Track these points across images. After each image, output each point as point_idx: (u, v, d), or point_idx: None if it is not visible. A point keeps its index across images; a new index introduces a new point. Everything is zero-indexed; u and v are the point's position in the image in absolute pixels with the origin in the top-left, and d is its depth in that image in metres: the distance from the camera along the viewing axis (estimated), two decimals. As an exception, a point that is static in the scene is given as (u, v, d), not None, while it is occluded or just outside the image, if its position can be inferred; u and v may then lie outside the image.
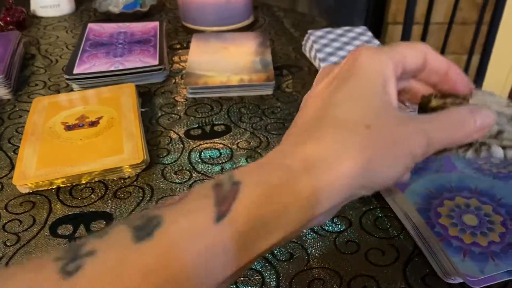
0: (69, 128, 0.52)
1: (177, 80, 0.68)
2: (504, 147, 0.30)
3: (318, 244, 0.41)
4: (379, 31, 1.84)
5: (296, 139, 0.26)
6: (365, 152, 0.24)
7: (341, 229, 0.43)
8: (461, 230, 0.38)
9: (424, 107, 0.30)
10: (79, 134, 0.51)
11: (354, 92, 0.26)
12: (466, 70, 1.80)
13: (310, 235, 0.42)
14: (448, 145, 0.28)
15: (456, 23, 1.71)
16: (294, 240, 0.41)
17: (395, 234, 0.42)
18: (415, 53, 0.28)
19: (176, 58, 0.75)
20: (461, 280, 0.36)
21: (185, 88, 0.65)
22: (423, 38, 1.69)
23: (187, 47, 0.78)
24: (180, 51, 0.77)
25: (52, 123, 0.53)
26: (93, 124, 0.53)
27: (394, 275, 0.38)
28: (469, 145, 0.29)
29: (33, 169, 0.46)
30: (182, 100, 0.63)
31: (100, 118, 0.53)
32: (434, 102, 0.30)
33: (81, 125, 0.52)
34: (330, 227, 0.43)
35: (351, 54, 0.27)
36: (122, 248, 0.20)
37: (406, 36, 1.70)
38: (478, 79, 1.82)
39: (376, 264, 0.39)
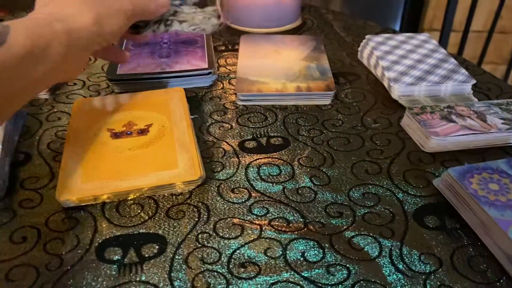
0: (116, 135, 0.47)
1: (224, 85, 0.63)
2: (181, 22, 0.48)
3: (406, 287, 0.35)
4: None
5: (41, 4, 0.39)
6: (95, 10, 0.39)
7: (431, 269, 0.37)
8: None
9: None
10: (128, 143, 0.46)
11: None
12: (505, 80, 1.72)
13: (395, 275, 0.36)
14: (146, 14, 0.45)
15: (495, 32, 1.64)
16: (378, 281, 0.36)
17: (495, 279, 0.36)
18: None
19: (222, 61, 0.69)
20: None
21: (234, 94, 0.60)
22: (461, 47, 1.62)
23: (233, 49, 0.72)
24: (225, 53, 0.72)
25: (97, 129, 0.48)
26: (143, 132, 0.47)
27: (503, 331, 0.32)
28: (159, 21, 0.48)
29: (78, 182, 0.42)
30: (232, 107, 0.58)
31: (150, 125, 0.48)
32: None
33: (129, 132, 0.47)
34: (418, 267, 0.37)
35: None
36: None
37: (443, 44, 1.63)
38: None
39: (479, 316, 0.33)
